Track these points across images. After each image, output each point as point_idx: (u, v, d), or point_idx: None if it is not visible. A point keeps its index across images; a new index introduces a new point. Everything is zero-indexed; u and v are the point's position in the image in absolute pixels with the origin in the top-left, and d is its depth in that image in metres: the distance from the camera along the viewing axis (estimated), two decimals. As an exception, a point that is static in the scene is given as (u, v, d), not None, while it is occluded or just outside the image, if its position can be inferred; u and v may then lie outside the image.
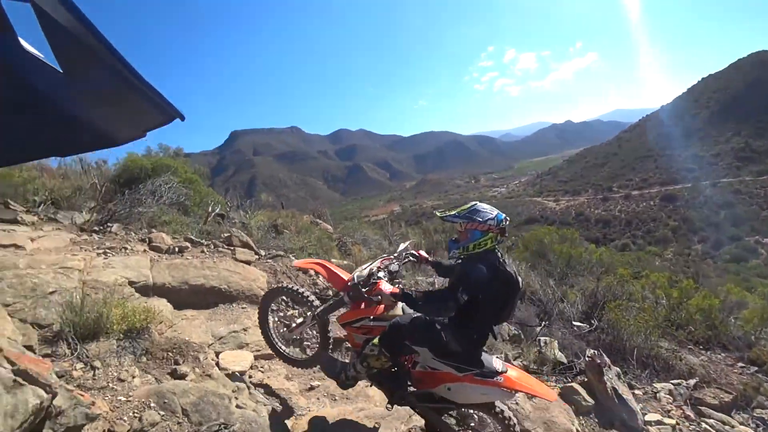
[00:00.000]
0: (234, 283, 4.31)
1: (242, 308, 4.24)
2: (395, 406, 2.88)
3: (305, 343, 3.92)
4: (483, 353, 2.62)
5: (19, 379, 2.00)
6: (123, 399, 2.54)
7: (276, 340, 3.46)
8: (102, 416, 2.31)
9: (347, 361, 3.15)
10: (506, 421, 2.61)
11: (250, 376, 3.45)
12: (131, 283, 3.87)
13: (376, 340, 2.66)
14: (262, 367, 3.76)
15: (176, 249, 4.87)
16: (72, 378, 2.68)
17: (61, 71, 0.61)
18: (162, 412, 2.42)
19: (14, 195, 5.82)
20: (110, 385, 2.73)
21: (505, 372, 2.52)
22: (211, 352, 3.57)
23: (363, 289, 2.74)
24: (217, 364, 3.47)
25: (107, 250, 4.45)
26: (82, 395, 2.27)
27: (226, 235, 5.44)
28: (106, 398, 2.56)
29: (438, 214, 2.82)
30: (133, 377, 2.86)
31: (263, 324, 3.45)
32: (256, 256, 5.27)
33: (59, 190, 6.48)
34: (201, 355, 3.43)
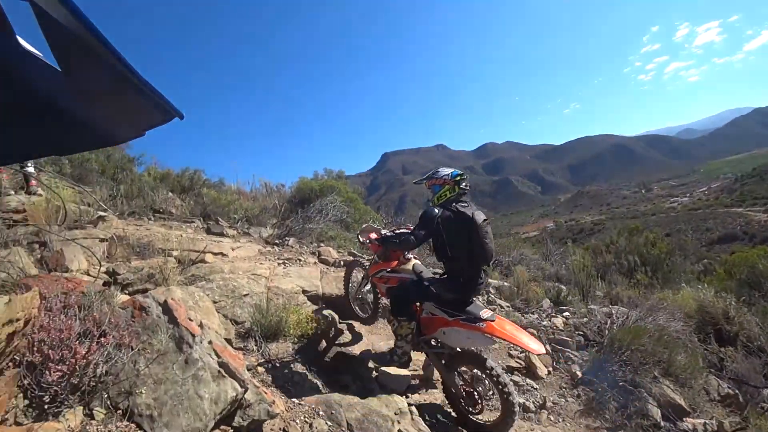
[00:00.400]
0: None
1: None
2: None
3: (365, 305, 4.43)
4: (475, 303, 3.02)
5: (222, 371, 2.27)
6: (296, 401, 2.68)
7: (351, 300, 4.35)
8: (279, 415, 2.47)
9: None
10: (498, 382, 2.71)
11: (407, 396, 3.31)
12: (304, 292, 4.26)
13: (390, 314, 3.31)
14: (419, 391, 3.60)
15: (341, 262, 5.23)
16: (257, 373, 3.00)
17: (61, 70, 0.60)
18: (329, 423, 2.45)
19: (221, 213, 7.30)
20: (286, 385, 2.94)
21: (492, 321, 2.80)
22: (373, 367, 3.59)
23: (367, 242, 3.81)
24: (377, 379, 3.45)
25: (285, 261, 5.06)
26: (265, 392, 2.46)
27: (385, 250, 5.61)
28: (282, 398, 2.76)
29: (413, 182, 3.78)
30: (304, 381, 3.05)
31: (346, 287, 4.40)
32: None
33: (251, 209, 7.88)
34: (363, 370, 3.48)
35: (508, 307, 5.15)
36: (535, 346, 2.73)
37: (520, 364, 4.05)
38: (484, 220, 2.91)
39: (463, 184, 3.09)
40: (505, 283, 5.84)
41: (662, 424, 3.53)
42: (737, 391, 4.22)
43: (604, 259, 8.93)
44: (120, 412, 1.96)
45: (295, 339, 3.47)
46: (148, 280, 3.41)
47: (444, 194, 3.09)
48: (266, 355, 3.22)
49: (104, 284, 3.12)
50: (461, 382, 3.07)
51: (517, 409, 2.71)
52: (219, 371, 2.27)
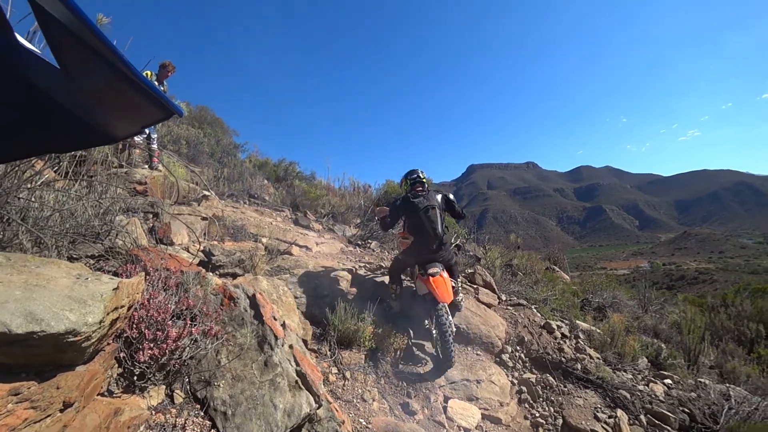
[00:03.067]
0: (474, 325, 3.99)
1: (477, 354, 3.85)
2: None
3: None
4: (433, 264, 3.64)
5: (299, 382, 2.18)
6: (363, 423, 2.51)
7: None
8: (347, 438, 2.32)
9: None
10: (439, 323, 3.34)
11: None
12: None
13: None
14: (486, 429, 3.24)
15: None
16: (328, 381, 2.90)
17: (60, 68, 0.60)
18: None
19: (309, 206, 7.51)
20: (354, 401, 2.79)
21: (434, 276, 3.51)
22: (441, 395, 3.31)
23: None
24: (445, 409, 3.17)
25: (366, 264, 4.96)
26: (337, 410, 2.33)
27: (469, 271, 5.26)
28: (350, 414, 2.61)
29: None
30: (373, 400, 2.87)
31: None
32: (498, 300, 4.83)
33: (338, 206, 8.00)
34: (432, 396, 3.23)
35: (597, 358, 4.47)
36: (444, 295, 3.39)
37: (607, 430, 3.44)
38: (428, 206, 3.70)
39: (413, 178, 4.12)
40: (597, 330, 5.11)
41: None
42: None
43: (720, 321, 7.52)
44: (198, 404, 1.95)
45: (368, 352, 3.32)
46: (238, 265, 3.51)
47: (404, 189, 4.25)
48: (338, 363, 3.11)
49: (200, 263, 3.27)
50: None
51: (452, 356, 3.27)
52: (296, 381, 2.17)
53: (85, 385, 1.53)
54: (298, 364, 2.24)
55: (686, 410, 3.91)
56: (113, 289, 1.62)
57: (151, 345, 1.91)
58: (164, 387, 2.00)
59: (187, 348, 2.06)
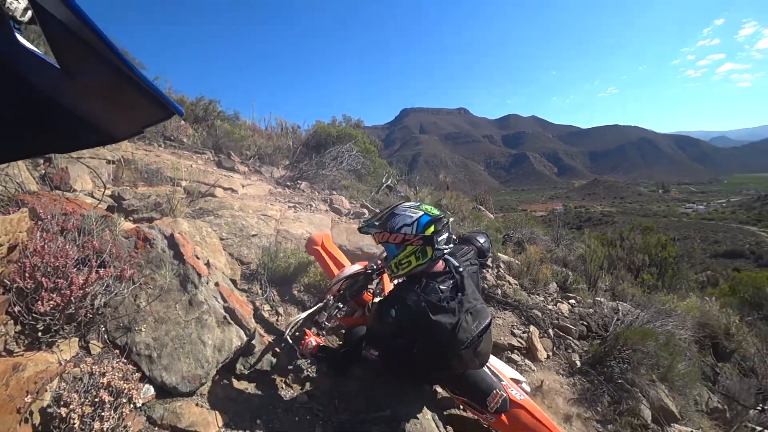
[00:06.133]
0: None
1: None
2: None
3: None
4: None
5: (228, 317, 2.17)
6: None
7: None
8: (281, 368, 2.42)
9: None
10: None
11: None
12: (313, 242, 4.13)
13: None
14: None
15: (353, 213, 5.07)
16: (261, 318, 2.92)
17: (60, 68, 0.60)
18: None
19: (234, 148, 7.07)
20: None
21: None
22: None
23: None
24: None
25: (296, 205, 4.91)
26: (271, 343, 2.39)
27: (399, 208, 5.43)
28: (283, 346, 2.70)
29: (360, 223, 2.18)
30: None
31: None
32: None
33: (264, 147, 7.63)
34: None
35: (515, 284, 5.04)
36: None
37: (522, 344, 4.00)
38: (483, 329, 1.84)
39: (443, 236, 1.95)
40: (516, 261, 5.70)
41: (651, 425, 3.55)
42: (726, 407, 4.26)
43: (617, 253, 8.79)
44: (117, 350, 1.87)
45: (302, 287, 3.38)
46: (154, 209, 3.26)
47: (407, 262, 1.95)
48: (271, 300, 3.13)
49: (108, 209, 2.97)
50: None
51: None
52: (225, 317, 2.17)
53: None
54: (225, 301, 2.22)
55: (584, 323, 4.64)
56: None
57: (52, 294, 1.75)
58: (77, 339, 1.88)
59: (99, 295, 1.93)
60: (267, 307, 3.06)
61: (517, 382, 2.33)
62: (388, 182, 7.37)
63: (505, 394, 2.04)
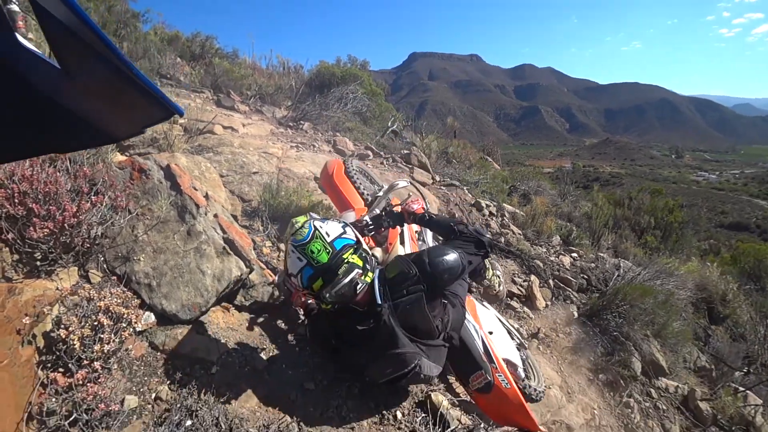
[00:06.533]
0: (408, 202, 4.16)
1: (408, 228, 4.11)
2: None
3: None
4: None
5: (227, 248, 2.13)
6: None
7: None
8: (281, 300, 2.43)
9: None
10: None
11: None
12: (315, 179, 4.03)
13: None
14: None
15: (357, 155, 4.99)
16: (262, 254, 2.91)
17: (59, 68, 0.60)
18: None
19: (233, 87, 6.76)
20: (290, 270, 2.88)
21: None
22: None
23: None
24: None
25: (299, 145, 4.77)
26: (271, 276, 2.37)
27: (405, 152, 5.31)
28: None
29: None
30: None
31: None
32: (432, 180, 5.02)
33: (266, 87, 7.31)
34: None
35: (519, 234, 5.03)
36: None
37: (522, 291, 4.04)
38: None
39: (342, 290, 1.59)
40: (521, 212, 5.65)
41: (640, 377, 3.68)
42: (713, 367, 4.39)
43: (623, 213, 8.73)
44: (116, 278, 1.85)
45: (303, 223, 3.34)
46: (151, 144, 3.14)
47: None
48: (272, 237, 3.11)
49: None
50: None
51: None
52: (224, 247, 2.13)
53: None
54: (224, 232, 2.18)
55: (585, 276, 4.66)
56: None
57: (45, 222, 1.69)
58: (76, 269, 1.86)
59: (96, 225, 1.87)
60: (268, 243, 3.04)
61: (511, 365, 2.25)
62: (394, 127, 7.13)
63: (490, 378, 1.97)
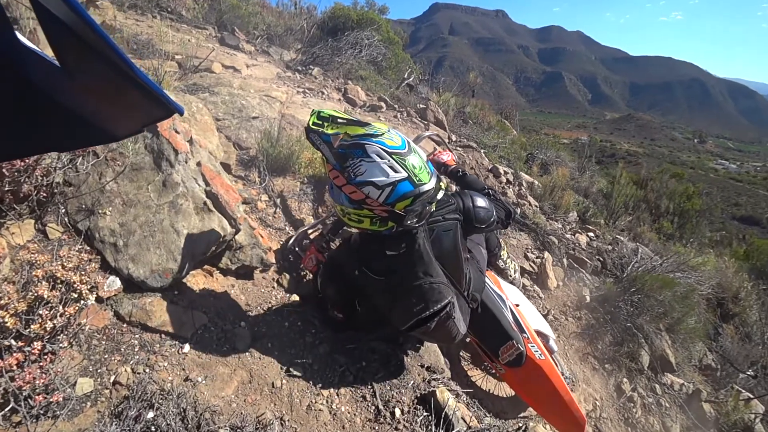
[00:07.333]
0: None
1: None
2: None
3: None
4: None
5: (209, 203, 1.82)
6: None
7: None
8: (274, 266, 2.16)
9: None
10: None
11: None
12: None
13: None
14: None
15: (369, 106, 4.56)
16: (257, 209, 2.62)
17: (60, 66, 0.59)
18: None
19: (240, 24, 6.16)
20: (286, 228, 2.61)
21: None
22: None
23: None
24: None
25: (306, 90, 4.37)
26: (262, 237, 2.09)
27: (421, 106, 4.87)
28: (281, 241, 2.44)
29: (311, 121, 1.39)
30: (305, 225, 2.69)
31: None
32: (447, 140, 4.64)
33: (275, 26, 6.69)
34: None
35: (536, 206, 4.71)
36: None
37: (533, 269, 3.79)
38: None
39: (417, 212, 1.44)
40: (538, 183, 5.28)
41: (646, 371, 3.54)
42: (719, 367, 4.25)
43: (644, 194, 8.35)
44: (81, 238, 1.56)
45: (305, 179, 3.01)
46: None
47: (358, 218, 1.49)
48: (269, 190, 2.80)
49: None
50: None
51: None
52: (205, 203, 1.81)
53: None
54: (207, 184, 1.86)
55: (600, 259, 4.38)
56: None
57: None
58: (33, 222, 1.56)
59: (57, 170, 1.56)
60: (264, 197, 2.75)
61: (543, 336, 2.07)
62: (410, 79, 6.59)
63: (522, 349, 1.81)
